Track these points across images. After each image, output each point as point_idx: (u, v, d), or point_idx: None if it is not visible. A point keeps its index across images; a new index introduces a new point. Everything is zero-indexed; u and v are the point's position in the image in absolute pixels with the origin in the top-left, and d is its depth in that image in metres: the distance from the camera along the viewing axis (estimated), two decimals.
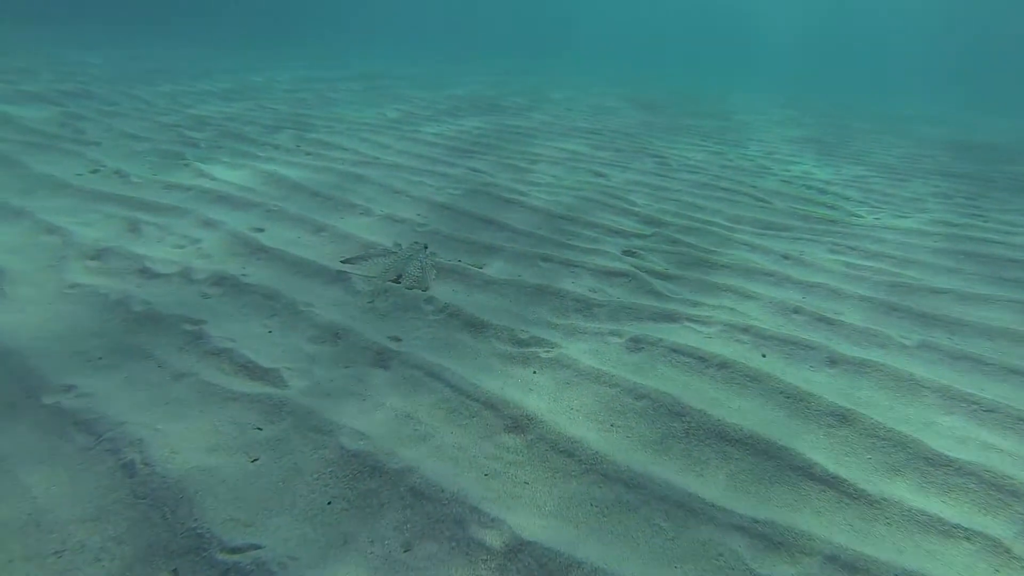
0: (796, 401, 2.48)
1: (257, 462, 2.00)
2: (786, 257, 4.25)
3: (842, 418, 2.36)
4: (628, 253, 4.12)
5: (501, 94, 12.52)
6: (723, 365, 2.71)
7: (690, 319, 3.18)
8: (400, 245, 3.94)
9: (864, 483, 2.02)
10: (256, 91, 10.21)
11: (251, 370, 2.49)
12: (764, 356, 2.88)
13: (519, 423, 2.26)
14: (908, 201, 6.19)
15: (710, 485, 2.02)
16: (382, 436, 2.14)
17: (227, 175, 5.22)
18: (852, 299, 3.59)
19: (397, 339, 2.84)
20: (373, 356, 2.67)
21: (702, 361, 2.75)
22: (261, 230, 4.06)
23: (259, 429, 2.16)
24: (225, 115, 8.02)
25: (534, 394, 2.48)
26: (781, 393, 2.53)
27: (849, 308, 3.49)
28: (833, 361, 2.84)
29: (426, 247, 3.87)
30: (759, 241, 4.55)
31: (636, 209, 5.09)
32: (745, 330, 3.08)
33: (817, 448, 2.21)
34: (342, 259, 3.67)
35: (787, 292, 3.67)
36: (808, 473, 2.05)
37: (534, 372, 2.65)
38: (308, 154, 6.23)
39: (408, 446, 2.11)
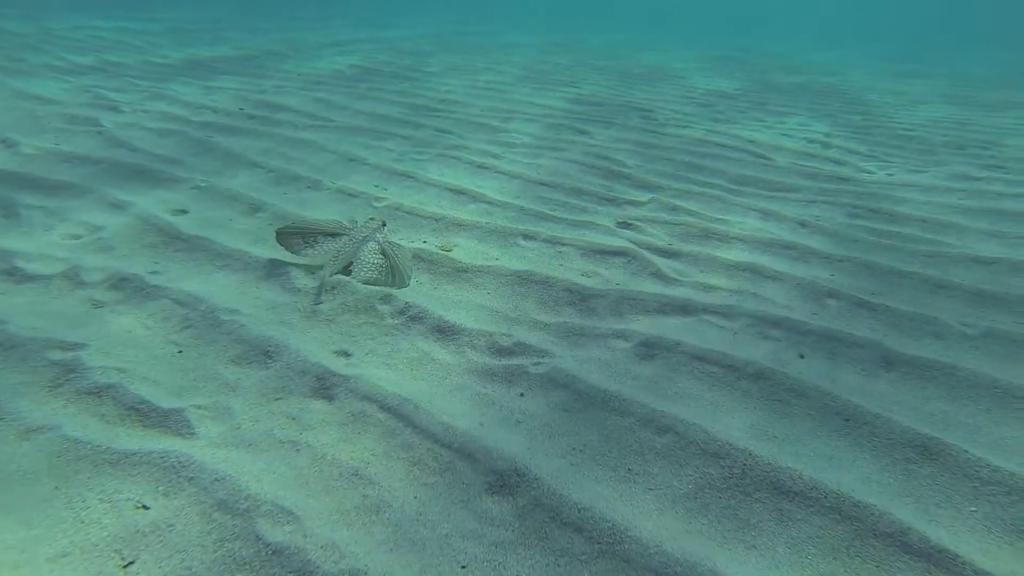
0: (859, 425, 1.94)
1: (131, 567, 1.39)
2: (803, 225, 3.68)
3: (923, 450, 1.83)
4: (623, 225, 3.51)
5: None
6: (759, 375, 2.15)
7: (708, 310, 2.60)
8: (356, 221, 3.26)
9: (979, 556, 1.49)
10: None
11: (144, 413, 1.85)
12: (803, 357, 2.33)
13: (506, 480, 1.67)
14: (919, 153, 5.65)
15: (771, 567, 1.47)
16: (318, 513, 1.54)
17: (153, 145, 4.41)
18: (888, 275, 3.05)
19: (346, 354, 2.22)
20: (313, 382, 2.05)
21: (732, 371, 2.18)
22: (183, 212, 3.34)
23: (144, 508, 1.54)
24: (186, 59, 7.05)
25: (523, 429, 1.89)
26: (838, 415, 1.98)
27: (887, 287, 2.95)
28: (889, 362, 2.30)
29: (384, 224, 3.19)
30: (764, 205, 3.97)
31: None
32: (776, 323, 2.52)
33: (902, 498, 1.67)
34: (277, 238, 2.97)
35: (811, 269, 3.11)
36: (901, 543, 1.51)
37: (522, 395, 2.06)
38: (252, 118, 5.41)
39: (354, 527, 1.52)
